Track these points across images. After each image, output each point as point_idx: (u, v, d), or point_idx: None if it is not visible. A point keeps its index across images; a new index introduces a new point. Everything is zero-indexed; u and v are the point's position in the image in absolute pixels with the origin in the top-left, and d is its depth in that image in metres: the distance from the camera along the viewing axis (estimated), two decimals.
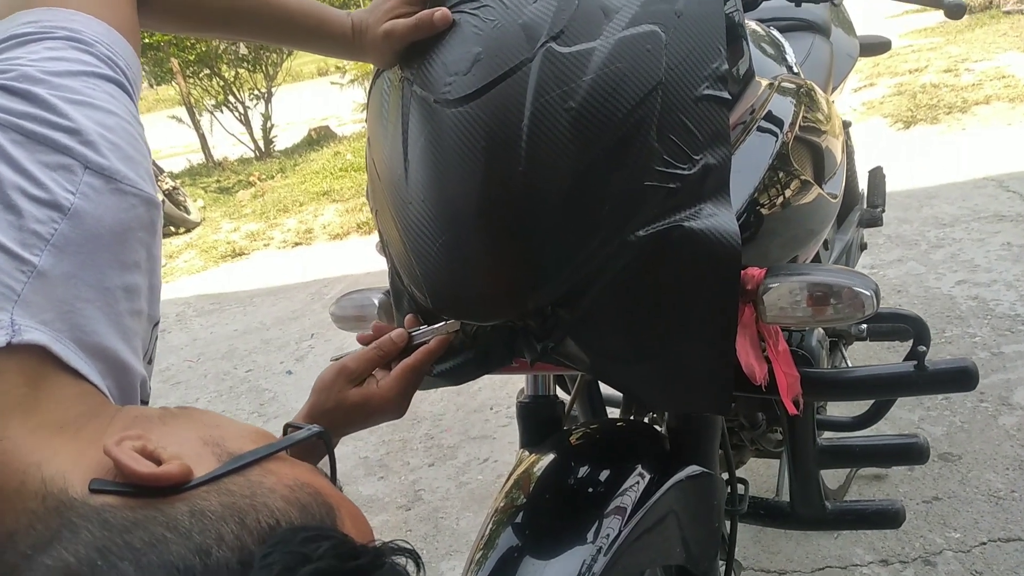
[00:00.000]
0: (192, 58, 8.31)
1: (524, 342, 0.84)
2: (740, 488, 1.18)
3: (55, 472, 0.49)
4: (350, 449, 2.77)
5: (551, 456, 1.00)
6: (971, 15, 7.76)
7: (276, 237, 5.96)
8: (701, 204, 0.76)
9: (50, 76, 0.63)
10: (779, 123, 0.95)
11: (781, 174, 0.94)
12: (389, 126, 0.85)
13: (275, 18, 0.90)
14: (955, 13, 1.23)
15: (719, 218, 0.75)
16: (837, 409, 1.82)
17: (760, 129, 0.92)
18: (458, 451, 2.59)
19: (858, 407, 1.54)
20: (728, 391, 0.80)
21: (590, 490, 0.93)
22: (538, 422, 1.10)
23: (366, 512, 2.51)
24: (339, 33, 0.92)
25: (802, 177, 0.98)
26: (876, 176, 2.03)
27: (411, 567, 0.53)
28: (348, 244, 5.35)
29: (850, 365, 1.82)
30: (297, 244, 5.67)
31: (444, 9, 0.83)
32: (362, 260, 4.88)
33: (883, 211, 2.02)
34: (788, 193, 0.95)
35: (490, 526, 0.91)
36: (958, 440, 2.08)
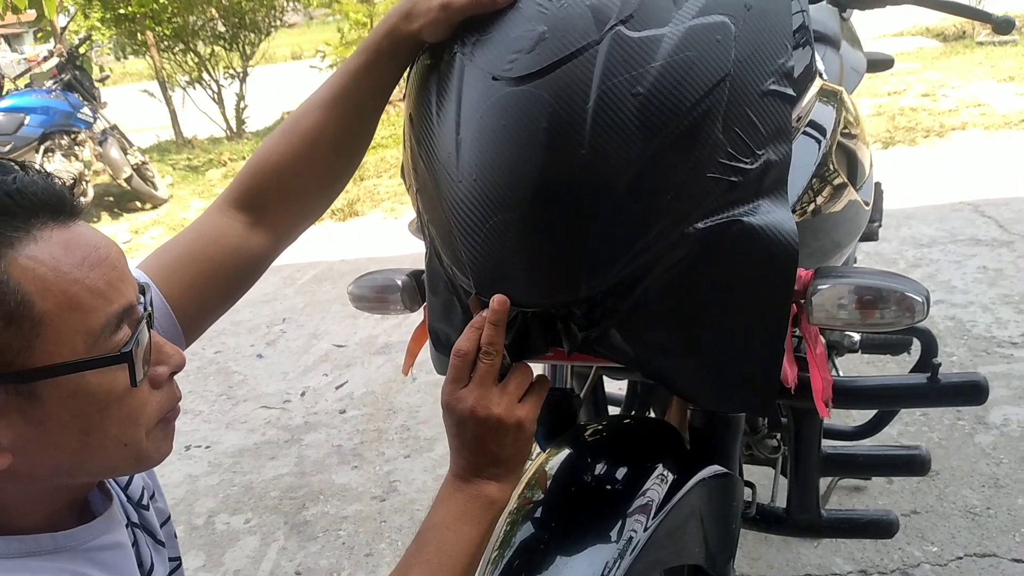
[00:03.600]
0: (168, 32, 8.13)
1: (564, 330, 0.82)
2: (747, 492, 1.17)
3: None
4: (323, 436, 2.72)
5: (568, 452, 0.98)
6: (946, 43, 7.93)
7: None
8: (759, 200, 0.74)
9: None
10: (823, 129, 0.94)
11: (823, 179, 0.93)
12: (438, 102, 0.82)
13: (357, 94, 0.93)
14: (1004, 28, 1.25)
15: (777, 215, 0.74)
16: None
17: (806, 133, 0.92)
18: (435, 444, 2.56)
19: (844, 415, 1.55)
20: (773, 391, 0.79)
21: (611, 488, 0.90)
22: (555, 416, 1.08)
23: (339, 501, 2.43)
24: (389, 42, 0.90)
25: (837, 183, 0.98)
26: (876, 191, 2.04)
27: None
28: (321, 229, 5.27)
29: (841, 375, 1.83)
30: None
31: None
32: (336, 247, 4.82)
33: (880, 226, 2.04)
34: (827, 198, 0.95)
35: (506, 524, 0.89)
36: (936, 456, 2.11)
